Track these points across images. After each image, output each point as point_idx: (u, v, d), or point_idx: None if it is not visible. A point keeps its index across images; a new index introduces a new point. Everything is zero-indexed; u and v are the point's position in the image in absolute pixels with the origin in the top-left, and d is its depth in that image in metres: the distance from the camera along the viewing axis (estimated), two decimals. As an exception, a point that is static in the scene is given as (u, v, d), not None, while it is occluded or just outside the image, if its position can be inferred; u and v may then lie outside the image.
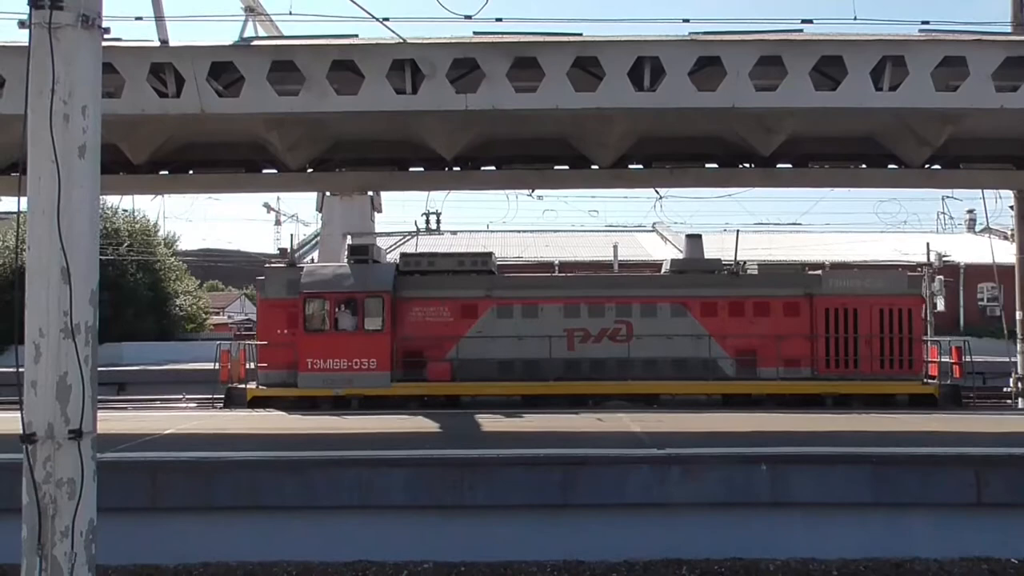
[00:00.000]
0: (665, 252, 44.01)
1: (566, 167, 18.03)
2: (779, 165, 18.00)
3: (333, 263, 20.46)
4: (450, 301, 19.29)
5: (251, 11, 14.61)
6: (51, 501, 5.40)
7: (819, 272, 20.41)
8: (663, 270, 20.97)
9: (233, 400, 18.89)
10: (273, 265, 20.43)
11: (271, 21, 15.61)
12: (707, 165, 18.17)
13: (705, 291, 19.41)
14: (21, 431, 5.39)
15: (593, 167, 17.60)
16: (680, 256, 21.84)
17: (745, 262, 20.66)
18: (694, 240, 21.41)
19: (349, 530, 10.38)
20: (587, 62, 12.60)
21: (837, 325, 18.98)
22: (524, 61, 12.37)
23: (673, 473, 10.46)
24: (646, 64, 12.52)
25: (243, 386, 18.95)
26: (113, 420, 14.22)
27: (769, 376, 18.87)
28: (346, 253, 20.48)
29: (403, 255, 20.85)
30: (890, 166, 18.19)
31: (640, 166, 18.07)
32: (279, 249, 47.58)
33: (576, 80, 12.60)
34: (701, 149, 17.70)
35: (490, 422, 15.03)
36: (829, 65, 13.28)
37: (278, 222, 59.37)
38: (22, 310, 5.48)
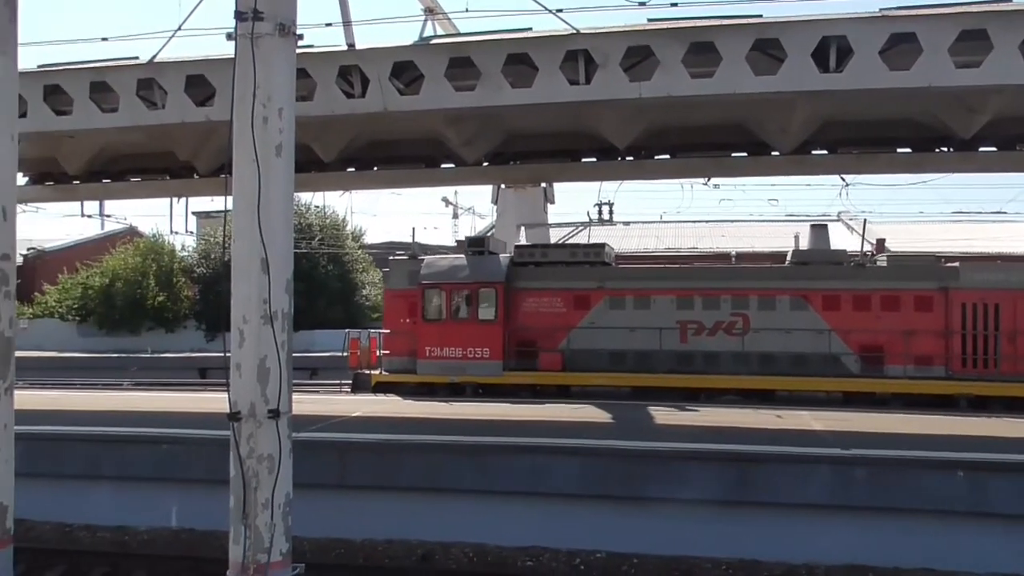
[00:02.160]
0: (850, 242, 41.66)
1: (744, 154, 17.39)
2: (981, 148, 16.51)
3: (451, 255, 20.93)
4: (563, 292, 19.32)
5: (430, 11, 15.11)
6: (254, 475, 5.83)
7: (956, 264, 18.83)
8: (787, 262, 20.03)
9: (360, 385, 19.78)
10: (397, 257, 21.34)
11: (448, 19, 16.07)
12: (898, 149, 16.97)
13: (828, 284, 18.44)
14: (228, 410, 5.86)
15: (773, 154, 16.87)
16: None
17: (874, 253, 19.28)
18: (819, 230, 20.41)
19: (523, 515, 10.59)
20: (767, 44, 12.09)
21: (975, 321, 17.53)
22: (700, 46, 12.04)
23: (858, 475, 9.94)
24: (832, 44, 11.86)
25: (368, 372, 19.84)
26: (307, 402, 15.18)
27: (896, 374, 17.71)
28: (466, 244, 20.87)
29: (517, 247, 21.13)
30: (1115, 146, 16.28)
31: (824, 152, 17.14)
32: (456, 241, 48.98)
33: (755, 63, 12.13)
34: (891, 132, 16.55)
35: (663, 415, 14.86)
36: (1044, 36, 12.05)
37: (455, 215, 61.24)
38: (229, 299, 5.95)
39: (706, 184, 25.22)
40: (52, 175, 19.22)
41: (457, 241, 47.01)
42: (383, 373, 19.76)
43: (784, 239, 41.19)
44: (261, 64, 5.81)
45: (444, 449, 11.13)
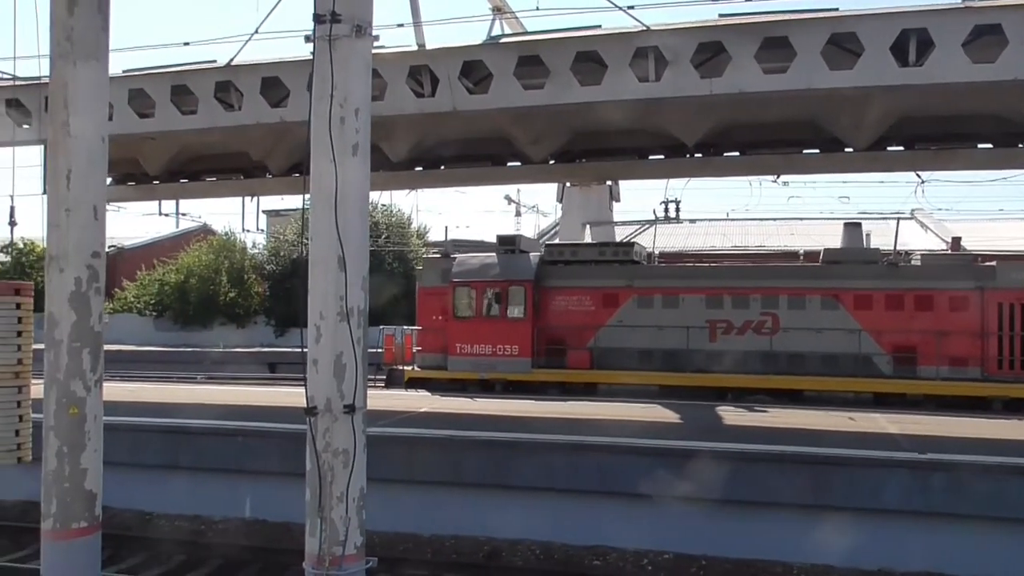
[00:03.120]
0: (924, 241, 40.43)
1: (816, 151, 17.03)
2: (1069, 143, 15.83)
3: (482, 254, 21.18)
4: (591, 290, 19.46)
5: (498, 10, 15.17)
6: (329, 469, 5.92)
7: (993, 263, 18.26)
8: (820, 261, 19.79)
9: (393, 380, 20.44)
10: (431, 256, 21.62)
11: (516, 18, 16.12)
12: (979, 145, 16.38)
13: (860, 283, 18.19)
14: (305, 405, 5.97)
15: (846, 150, 16.47)
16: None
17: (908, 252, 18.96)
18: (853, 229, 20.14)
19: (590, 514, 10.56)
20: (843, 38, 11.80)
21: (1013, 321, 17.05)
22: (773, 41, 11.82)
23: (936, 480, 9.65)
24: (911, 37, 11.51)
25: (402, 367, 20.36)
26: (374, 398, 15.34)
27: (929, 375, 17.39)
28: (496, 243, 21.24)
29: (547, 245, 21.30)
30: None
31: (900, 148, 16.66)
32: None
33: (830, 58, 11.84)
34: (971, 127, 15.99)
35: (732, 415, 14.68)
36: None
37: (518, 213, 61.26)
38: (303, 296, 6.05)
39: (775, 181, 24.76)
40: (133, 175, 19.88)
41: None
42: (415, 369, 20.18)
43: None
44: (338, 65, 5.90)
45: (511, 446, 11.17)
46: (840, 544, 9.62)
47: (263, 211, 45.68)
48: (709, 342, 18.67)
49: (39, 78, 13.24)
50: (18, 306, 6.73)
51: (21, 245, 46.03)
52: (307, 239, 6.14)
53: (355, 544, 5.99)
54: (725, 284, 19.12)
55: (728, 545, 9.81)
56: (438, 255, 21.54)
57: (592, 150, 18.09)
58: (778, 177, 22.61)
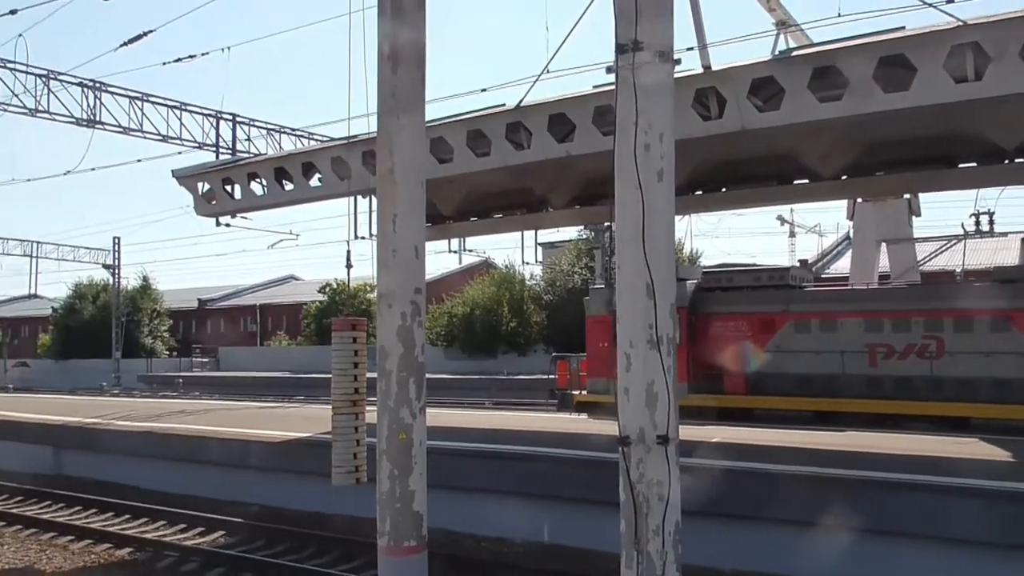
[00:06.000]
0: None
1: None
2: None
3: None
4: (748, 316, 19.66)
5: (783, 24, 14.61)
6: (644, 500, 5.84)
7: None
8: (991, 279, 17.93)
9: (565, 403, 21.81)
10: (596, 287, 23.78)
11: (801, 31, 15.43)
12: None
13: None
14: (618, 434, 5.95)
15: None
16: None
17: None
18: None
19: (915, 559, 9.61)
20: None
21: None
22: (1125, 21, 10.17)
23: None
24: None
25: (573, 392, 21.73)
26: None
27: None
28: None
29: (704, 272, 21.79)
30: None
31: None
32: (799, 261, 46.79)
33: None
34: None
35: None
36: None
37: (792, 234, 58.36)
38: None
39: (1116, 185, 21.43)
40: (430, 216, 21.42)
41: (800, 260, 44.69)
42: (583, 393, 21.31)
43: None
44: (642, 92, 5.91)
45: (818, 482, 10.48)
46: None
47: (539, 243, 47.48)
48: (868, 367, 18.12)
49: (355, 136, 14.66)
50: (354, 340, 7.40)
51: (334, 285, 51.59)
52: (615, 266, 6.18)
53: (672, 579, 5.84)
54: (884, 307, 18.44)
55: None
56: (602, 286, 22.58)
57: (888, 161, 16.71)
58: (1120, 181, 19.53)
